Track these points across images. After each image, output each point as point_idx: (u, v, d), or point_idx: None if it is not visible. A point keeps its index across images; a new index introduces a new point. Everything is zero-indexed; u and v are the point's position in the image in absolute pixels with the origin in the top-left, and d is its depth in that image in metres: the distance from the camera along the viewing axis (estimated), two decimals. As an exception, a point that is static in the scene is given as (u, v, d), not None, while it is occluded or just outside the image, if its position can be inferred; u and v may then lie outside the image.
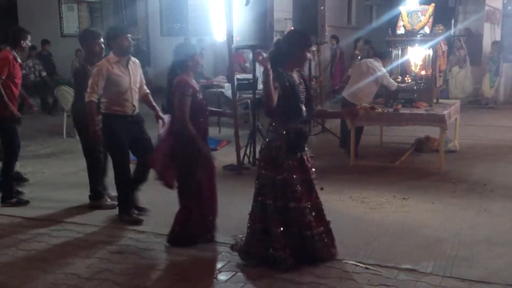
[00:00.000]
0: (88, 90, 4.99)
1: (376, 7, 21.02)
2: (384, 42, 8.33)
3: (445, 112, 7.10)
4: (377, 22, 18.34)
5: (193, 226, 4.61)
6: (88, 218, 5.41)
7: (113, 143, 5.18)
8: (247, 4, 7.01)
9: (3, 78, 5.67)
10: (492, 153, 8.14)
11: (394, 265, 4.18)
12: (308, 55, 4.26)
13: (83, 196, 5.85)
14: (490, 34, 13.89)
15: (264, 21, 7.04)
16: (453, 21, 14.71)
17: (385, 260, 4.26)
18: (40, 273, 4.17)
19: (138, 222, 5.18)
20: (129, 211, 5.25)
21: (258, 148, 7.29)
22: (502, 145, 8.62)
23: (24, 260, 4.43)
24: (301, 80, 4.24)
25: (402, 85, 7.78)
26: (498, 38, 13.80)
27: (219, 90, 10.60)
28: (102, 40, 5.54)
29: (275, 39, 10.38)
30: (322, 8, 9.12)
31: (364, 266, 4.16)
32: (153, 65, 14.77)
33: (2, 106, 5.71)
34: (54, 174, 7.30)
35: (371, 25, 18.22)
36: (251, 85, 8.04)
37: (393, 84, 7.60)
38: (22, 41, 5.80)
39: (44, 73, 12.75)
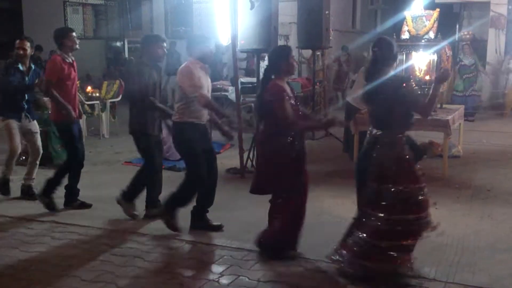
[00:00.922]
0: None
1: (381, 11, 21.04)
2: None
3: (449, 117, 7.09)
4: (381, 26, 18.33)
5: (286, 240, 4.48)
6: (91, 220, 5.41)
7: (193, 153, 4.96)
8: (252, 8, 7.03)
9: (53, 82, 5.58)
10: (496, 158, 8.12)
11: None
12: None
13: (87, 198, 5.85)
14: (494, 40, 13.86)
15: (268, 25, 7.06)
16: (457, 27, 14.69)
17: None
18: (42, 275, 4.17)
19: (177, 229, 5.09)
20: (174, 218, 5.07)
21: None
22: (506, 150, 8.59)
23: (26, 261, 4.43)
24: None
25: None
26: (502, 44, 13.78)
27: (223, 93, 10.62)
28: (165, 44, 5.46)
29: (279, 42, 10.44)
30: (326, 12, 9.13)
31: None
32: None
33: (57, 108, 5.66)
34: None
35: (375, 30, 18.23)
36: (255, 88, 8.04)
37: None
38: (64, 40, 5.67)
39: None
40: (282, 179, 4.36)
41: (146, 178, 5.46)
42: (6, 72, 6.01)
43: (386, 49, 4.21)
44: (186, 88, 4.83)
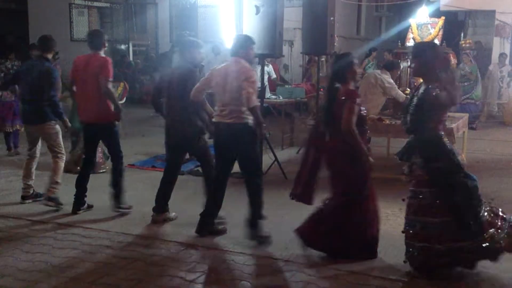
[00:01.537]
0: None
1: (385, 19, 21.08)
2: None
3: (453, 125, 7.08)
4: (386, 33, 18.36)
5: (350, 243, 4.50)
6: (94, 222, 5.41)
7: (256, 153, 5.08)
8: (257, 13, 7.04)
9: (110, 79, 5.58)
10: (499, 167, 8.10)
11: (399, 277, 4.17)
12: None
13: (91, 200, 5.85)
14: (499, 48, 13.87)
15: (273, 30, 7.06)
16: (462, 35, 14.71)
17: (390, 273, 4.25)
18: (44, 276, 4.17)
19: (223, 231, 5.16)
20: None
21: (265, 156, 7.33)
22: (510, 160, 8.58)
23: (29, 262, 4.43)
24: None
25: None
26: (507, 52, 13.78)
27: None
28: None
29: (284, 48, 10.44)
30: (331, 18, 9.13)
31: (370, 277, 4.14)
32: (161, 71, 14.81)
33: (110, 108, 5.63)
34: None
35: (380, 37, 18.26)
36: (258, 93, 8.03)
37: (401, 95, 7.59)
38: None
39: None
40: (358, 183, 4.48)
41: (210, 181, 5.38)
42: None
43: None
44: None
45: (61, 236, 5.02)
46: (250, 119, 4.84)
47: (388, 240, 4.95)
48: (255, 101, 4.74)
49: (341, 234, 4.47)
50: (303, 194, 4.70)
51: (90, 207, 5.76)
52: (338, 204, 4.52)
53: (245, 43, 4.99)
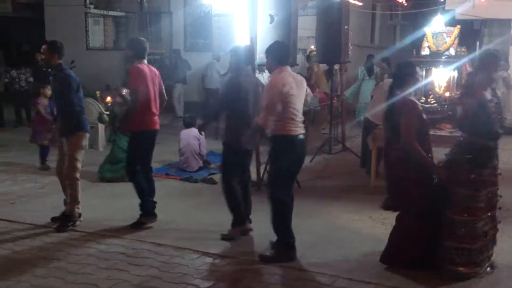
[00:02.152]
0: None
1: (400, 27, 21.02)
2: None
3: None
4: (400, 42, 18.31)
5: (412, 248, 4.44)
6: (109, 229, 5.44)
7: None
8: (271, 22, 7.07)
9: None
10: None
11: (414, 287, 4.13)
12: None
13: (102, 208, 5.88)
14: (515, 57, 13.74)
15: (288, 39, 7.08)
16: (478, 43, 14.61)
17: (405, 283, 4.22)
18: (59, 282, 4.20)
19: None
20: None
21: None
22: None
23: (44, 268, 4.46)
24: None
25: (426, 105, 7.72)
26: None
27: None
28: None
29: (298, 57, 10.44)
30: (346, 27, 9.14)
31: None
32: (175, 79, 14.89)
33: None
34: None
35: (394, 45, 18.19)
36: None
37: None
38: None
39: (30, 79, 12.48)
40: (426, 193, 4.37)
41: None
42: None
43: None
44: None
45: (76, 242, 5.05)
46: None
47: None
48: None
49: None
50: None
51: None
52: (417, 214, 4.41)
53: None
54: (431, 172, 4.36)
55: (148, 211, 5.54)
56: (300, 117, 4.72)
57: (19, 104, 12.45)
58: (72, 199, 5.52)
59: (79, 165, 5.54)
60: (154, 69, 5.70)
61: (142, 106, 5.40)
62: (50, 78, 5.69)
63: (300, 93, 4.75)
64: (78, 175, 5.54)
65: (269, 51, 4.82)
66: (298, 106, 4.71)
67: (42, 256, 4.73)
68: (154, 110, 5.54)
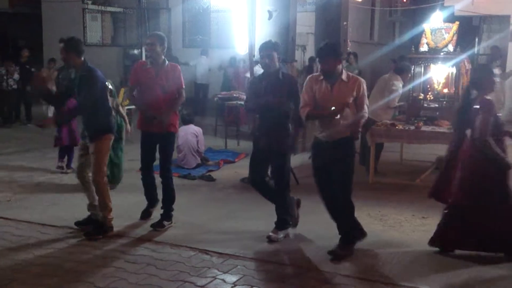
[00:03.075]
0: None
1: (399, 23, 20.98)
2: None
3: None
4: (399, 39, 18.28)
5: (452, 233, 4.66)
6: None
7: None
8: (270, 18, 7.06)
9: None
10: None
11: (411, 285, 4.12)
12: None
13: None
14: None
15: (286, 35, 7.08)
16: (476, 40, 14.58)
17: (402, 280, 4.20)
18: (55, 281, 4.17)
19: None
20: None
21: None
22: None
23: (40, 267, 4.44)
24: None
25: (398, 104, 7.73)
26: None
27: (239, 102, 10.60)
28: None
29: (297, 53, 10.43)
30: (345, 23, 9.12)
31: (382, 284, 4.09)
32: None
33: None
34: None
35: (393, 42, 18.17)
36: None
37: (393, 101, 7.56)
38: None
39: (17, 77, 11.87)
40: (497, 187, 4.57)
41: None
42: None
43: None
44: None
45: (73, 241, 5.02)
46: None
47: (399, 247, 4.90)
48: None
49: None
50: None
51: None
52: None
53: None
54: (504, 168, 4.51)
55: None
56: None
57: (4, 103, 12.06)
58: (103, 207, 5.19)
59: (105, 168, 5.24)
60: None
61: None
62: (73, 77, 5.12)
63: None
64: (105, 179, 5.21)
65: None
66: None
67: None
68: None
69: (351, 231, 4.79)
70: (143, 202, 5.73)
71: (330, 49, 4.61)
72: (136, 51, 16.65)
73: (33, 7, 17.93)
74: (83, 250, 4.81)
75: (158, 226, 5.29)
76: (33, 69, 11.88)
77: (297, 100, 4.82)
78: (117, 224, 5.36)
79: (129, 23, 17.43)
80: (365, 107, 4.62)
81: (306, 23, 12.37)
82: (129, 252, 4.76)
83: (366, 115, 4.64)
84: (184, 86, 5.43)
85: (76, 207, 5.83)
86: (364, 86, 4.66)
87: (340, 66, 4.65)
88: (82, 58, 5.09)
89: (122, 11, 17.41)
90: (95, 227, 5.18)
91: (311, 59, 12.64)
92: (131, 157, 7.63)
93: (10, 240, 5.01)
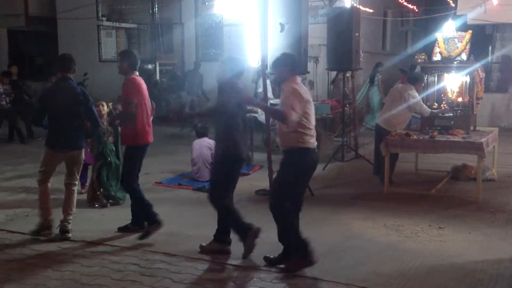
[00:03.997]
0: None
1: (411, 33, 20.93)
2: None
3: (483, 139, 6.95)
4: (412, 48, 18.23)
5: None
6: (121, 240, 5.43)
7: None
8: (282, 30, 7.08)
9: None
10: (532, 182, 7.90)
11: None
12: None
13: (122, 219, 5.88)
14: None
15: (298, 47, 7.08)
16: (490, 48, 14.52)
17: (421, 291, 4.16)
18: None
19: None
20: None
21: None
22: (542, 174, 8.37)
23: (58, 281, 4.47)
24: None
25: (435, 111, 7.68)
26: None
27: (252, 115, 10.63)
28: None
29: (309, 65, 10.47)
30: (356, 34, 9.12)
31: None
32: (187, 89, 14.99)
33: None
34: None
35: (406, 51, 18.12)
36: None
37: (426, 110, 7.52)
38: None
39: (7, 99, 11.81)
40: None
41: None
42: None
43: None
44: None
45: (90, 254, 5.06)
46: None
47: (416, 257, 4.87)
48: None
49: None
50: None
51: None
52: None
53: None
54: None
55: (153, 219, 5.53)
56: (313, 129, 4.70)
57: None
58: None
59: None
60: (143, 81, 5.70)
61: (138, 119, 5.41)
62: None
63: (312, 105, 4.73)
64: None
65: (281, 61, 4.79)
66: (312, 117, 4.70)
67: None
68: (149, 122, 5.59)
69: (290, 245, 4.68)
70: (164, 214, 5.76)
71: (281, 60, 4.77)
72: (150, 66, 16.86)
73: (49, 25, 18.22)
74: (100, 263, 4.82)
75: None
76: (22, 84, 12.30)
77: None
78: (133, 237, 5.40)
79: (143, 38, 17.65)
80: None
81: (318, 34, 12.41)
82: (145, 265, 4.77)
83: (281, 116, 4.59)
84: (131, 98, 5.41)
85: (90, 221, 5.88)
86: (288, 92, 4.61)
87: (288, 75, 4.70)
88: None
89: (136, 27, 17.64)
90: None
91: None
92: (147, 170, 7.66)
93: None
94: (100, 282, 4.41)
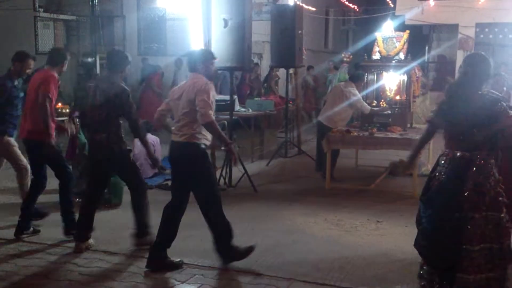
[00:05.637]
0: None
1: (352, 32, 21.41)
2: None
3: (419, 136, 7.18)
4: (353, 47, 18.64)
5: None
6: (120, 246, 5.12)
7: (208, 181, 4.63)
8: (225, 26, 7.06)
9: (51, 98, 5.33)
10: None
11: (368, 288, 4.19)
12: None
13: (105, 221, 5.70)
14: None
15: (242, 43, 7.09)
16: (426, 48, 15.03)
17: (359, 284, 4.26)
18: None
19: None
20: None
21: (234, 169, 7.32)
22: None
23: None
24: None
25: (375, 108, 7.89)
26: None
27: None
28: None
29: (252, 61, 10.48)
30: (299, 32, 9.23)
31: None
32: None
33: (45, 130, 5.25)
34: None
35: (347, 50, 18.51)
36: (228, 106, 8.05)
37: (366, 107, 7.70)
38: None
39: None
40: None
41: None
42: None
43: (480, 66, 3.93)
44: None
45: (87, 262, 4.71)
46: (204, 141, 4.51)
47: (355, 251, 4.98)
48: (210, 117, 4.34)
49: None
50: None
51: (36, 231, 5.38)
52: None
53: (203, 58, 4.66)
54: None
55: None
56: (176, 123, 4.62)
57: None
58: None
59: None
60: None
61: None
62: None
63: (179, 100, 4.56)
64: None
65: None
66: (175, 113, 4.64)
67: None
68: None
69: None
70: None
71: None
72: (90, 59, 16.45)
73: (-18, 15, 17.42)
74: (99, 270, 4.54)
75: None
76: None
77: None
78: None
79: (83, 31, 17.14)
80: None
81: (262, 31, 12.47)
82: (84, 264, 4.66)
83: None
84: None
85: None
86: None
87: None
88: None
89: (75, 19, 17.11)
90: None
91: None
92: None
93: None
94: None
